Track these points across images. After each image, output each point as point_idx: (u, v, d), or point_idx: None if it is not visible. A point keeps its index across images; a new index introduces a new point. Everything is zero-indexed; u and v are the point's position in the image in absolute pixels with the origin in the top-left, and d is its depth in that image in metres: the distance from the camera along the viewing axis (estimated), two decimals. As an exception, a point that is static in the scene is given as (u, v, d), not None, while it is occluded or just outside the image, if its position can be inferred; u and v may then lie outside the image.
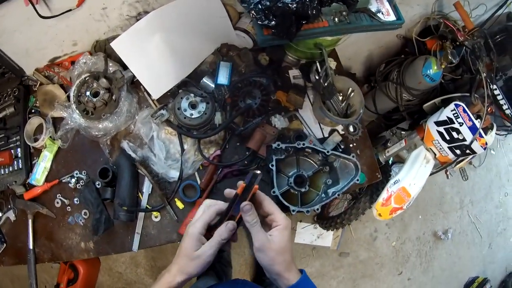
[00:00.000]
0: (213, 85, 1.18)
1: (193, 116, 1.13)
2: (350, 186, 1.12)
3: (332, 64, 1.26)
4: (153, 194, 1.17)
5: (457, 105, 1.35)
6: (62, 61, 1.34)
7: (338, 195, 1.11)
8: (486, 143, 1.36)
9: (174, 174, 1.15)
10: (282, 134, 1.22)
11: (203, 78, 1.20)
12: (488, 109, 1.39)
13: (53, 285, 1.95)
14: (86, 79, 1.17)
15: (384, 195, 1.50)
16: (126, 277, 2.25)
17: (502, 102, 1.56)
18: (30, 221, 1.26)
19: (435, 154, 1.48)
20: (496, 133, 1.49)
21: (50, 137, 1.27)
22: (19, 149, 1.30)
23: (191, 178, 1.17)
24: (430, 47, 1.68)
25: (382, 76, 1.78)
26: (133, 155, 1.16)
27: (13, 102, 1.33)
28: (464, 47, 1.49)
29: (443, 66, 1.50)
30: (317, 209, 1.09)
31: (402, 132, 1.77)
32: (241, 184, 0.64)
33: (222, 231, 0.62)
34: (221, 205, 0.66)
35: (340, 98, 1.26)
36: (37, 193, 1.25)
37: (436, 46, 1.65)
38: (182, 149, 1.16)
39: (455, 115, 1.35)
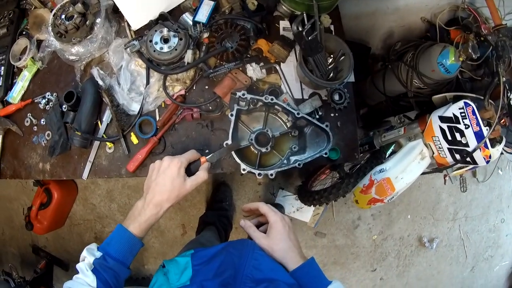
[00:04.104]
0: (191, 22, 1.11)
1: (162, 50, 1.07)
2: (316, 158, 1.01)
3: (325, 20, 1.13)
4: (112, 124, 1.12)
5: (466, 104, 1.16)
6: (57, -14, 1.33)
7: (299, 165, 1.00)
8: (490, 156, 1.17)
9: (135, 107, 1.10)
10: (256, 85, 1.12)
11: (184, 14, 1.13)
12: (502, 121, 1.20)
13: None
14: (66, 3, 1.16)
15: (365, 181, 1.36)
16: (99, 210, 2.29)
17: (518, 116, 1.34)
18: (0, 137, 1.28)
19: (432, 152, 1.31)
20: (504, 149, 1.30)
21: (32, 58, 1.28)
22: (2, 67, 1.32)
23: (151, 114, 1.11)
24: (453, 38, 1.51)
25: (396, 55, 1.61)
26: (100, 82, 1.12)
27: (7, 23, 1.36)
28: (490, 47, 1.30)
29: (461, 59, 1.32)
30: (271, 175, 0.98)
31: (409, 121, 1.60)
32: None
33: (204, 168, 0.85)
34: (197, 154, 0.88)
35: (330, 60, 1.14)
36: (11, 111, 1.27)
37: (460, 38, 1.48)
38: (147, 83, 1.10)
39: (463, 114, 1.17)
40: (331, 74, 1.13)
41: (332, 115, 1.15)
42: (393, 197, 1.33)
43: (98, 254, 0.70)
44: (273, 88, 1.11)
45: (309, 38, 1.04)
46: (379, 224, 2.28)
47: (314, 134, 1.07)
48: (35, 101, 1.24)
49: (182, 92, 1.09)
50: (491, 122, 1.12)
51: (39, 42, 1.28)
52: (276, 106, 1.04)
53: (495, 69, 1.20)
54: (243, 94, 0.98)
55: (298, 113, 1.01)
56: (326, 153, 1.01)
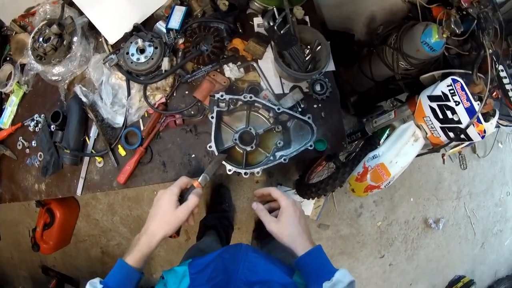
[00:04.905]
0: (165, 30, 1.12)
1: (140, 61, 1.08)
2: (302, 151, 1.01)
3: (298, 12, 1.13)
4: (99, 139, 1.14)
5: (454, 81, 1.15)
6: (35, 11, 1.35)
7: (285, 160, 1.00)
8: (485, 131, 1.15)
9: (119, 120, 1.12)
10: (235, 85, 1.12)
11: (157, 23, 1.14)
12: (493, 94, 1.18)
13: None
14: (42, 26, 1.19)
15: (359, 169, 1.35)
16: (102, 225, 2.31)
17: (508, 87, 1.31)
18: (-4, 163, 1.31)
19: (426, 133, 1.29)
20: (498, 123, 1.28)
21: (18, 82, 1.31)
22: (-10, 95, 1.35)
23: (135, 125, 1.12)
24: (436, 15, 1.48)
25: (380, 39, 1.59)
26: (84, 99, 1.14)
27: (-10, 51, 1.39)
28: (475, 21, 1.28)
29: (445, 36, 1.30)
30: (257, 173, 0.98)
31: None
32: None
33: (194, 193, 0.81)
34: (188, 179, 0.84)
35: (307, 51, 1.14)
36: (3, 136, 1.30)
37: (442, 15, 1.45)
38: (129, 95, 1.11)
39: (451, 91, 1.16)
40: (310, 66, 1.13)
41: (315, 106, 1.14)
42: (389, 182, 1.32)
43: (100, 286, 0.71)
44: (253, 86, 1.12)
45: (282, 32, 1.04)
46: (382, 210, 2.25)
47: (298, 127, 1.07)
48: (25, 124, 1.27)
49: (163, 99, 1.10)
50: (482, 96, 1.11)
51: (23, 66, 1.30)
52: (256, 104, 1.04)
53: (480, 42, 1.18)
54: (222, 96, 0.99)
55: (278, 108, 1.01)
56: (311, 145, 1.00)
